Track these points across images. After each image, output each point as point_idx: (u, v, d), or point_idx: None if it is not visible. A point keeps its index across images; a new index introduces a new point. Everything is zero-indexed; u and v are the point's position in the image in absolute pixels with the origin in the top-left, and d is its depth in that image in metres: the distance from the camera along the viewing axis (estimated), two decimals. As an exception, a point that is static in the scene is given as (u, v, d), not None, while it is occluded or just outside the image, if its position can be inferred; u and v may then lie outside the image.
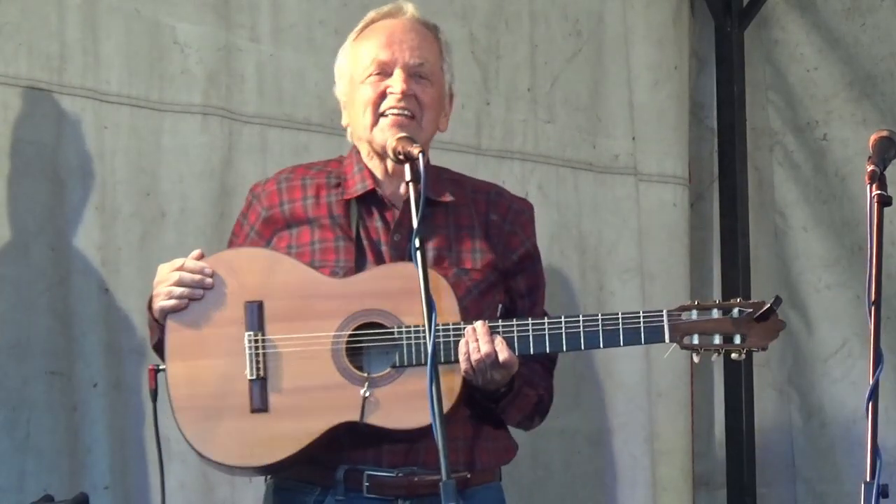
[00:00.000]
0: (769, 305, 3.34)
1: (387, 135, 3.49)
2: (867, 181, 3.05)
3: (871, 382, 2.94)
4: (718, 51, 5.86)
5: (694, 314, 3.37)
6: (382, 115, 3.51)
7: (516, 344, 3.38)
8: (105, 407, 4.37)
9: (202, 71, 4.63)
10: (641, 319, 3.37)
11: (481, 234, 3.59)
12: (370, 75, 3.53)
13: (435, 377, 3.08)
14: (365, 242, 3.53)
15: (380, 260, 3.52)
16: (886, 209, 3.06)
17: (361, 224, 3.55)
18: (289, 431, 3.42)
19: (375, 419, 3.39)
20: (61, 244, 4.36)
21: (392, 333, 3.42)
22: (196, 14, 4.63)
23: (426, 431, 3.26)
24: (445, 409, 3.22)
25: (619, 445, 5.47)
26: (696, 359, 3.40)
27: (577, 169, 5.48)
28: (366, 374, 3.42)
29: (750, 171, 5.83)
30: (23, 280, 4.29)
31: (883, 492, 2.89)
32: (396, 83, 3.50)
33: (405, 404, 3.38)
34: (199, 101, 4.62)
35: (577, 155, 5.48)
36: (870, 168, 3.06)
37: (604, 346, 3.38)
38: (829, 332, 5.73)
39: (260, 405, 3.44)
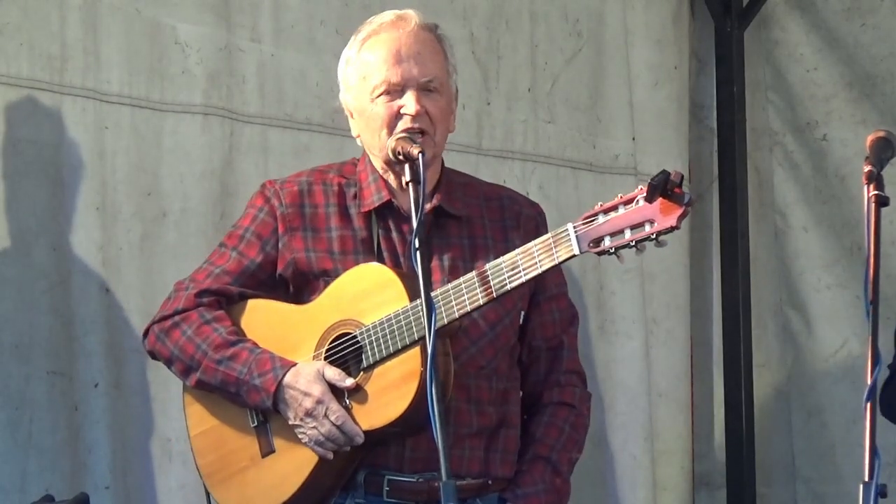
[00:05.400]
0: (653, 177, 3.17)
1: None
2: (864, 182, 3.05)
3: (869, 382, 2.95)
4: (718, 51, 5.87)
5: (600, 218, 3.26)
6: (398, 133, 3.48)
7: (454, 304, 3.36)
8: (106, 407, 4.37)
9: (203, 71, 4.63)
10: (551, 240, 3.30)
11: (494, 244, 3.58)
12: (381, 94, 3.50)
13: (435, 377, 3.08)
14: (385, 255, 3.54)
15: None
16: (884, 209, 3.06)
17: (381, 235, 3.56)
18: (293, 464, 3.47)
19: (362, 424, 3.41)
20: (62, 244, 4.36)
21: (356, 338, 3.44)
22: (197, 14, 4.63)
23: (403, 424, 3.34)
24: (412, 391, 3.32)
25: (619, 445, 5.48)
26: (619, 262, 3.31)
27: (577, 169, 5.49)
28: (343, 385, 3.44)
29: (750, 172, 5.84)
30: (24, 280, 4.29)
31: (882, 492, 2.89)
32: (410, 104, 3.47)
33: (381, 400, 3.40)
34: (200, 101, 4.62)
35: (578, 155, 5.49)
36: (867, 168, 3.06)
37: (525, 279, 3.32)
38: (829, 332, 5.74)
39: (268, 448, 3.51)
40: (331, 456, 3.42)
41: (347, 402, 3.42)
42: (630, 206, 3.23)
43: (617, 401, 5.48)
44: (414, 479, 3.47)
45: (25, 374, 4.28)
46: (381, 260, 3.52)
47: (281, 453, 3.50)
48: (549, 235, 3.31)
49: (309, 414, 3.41)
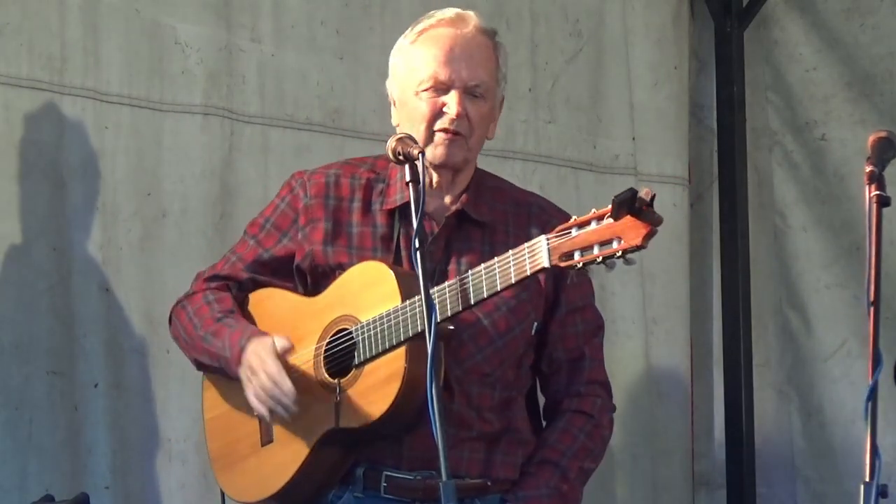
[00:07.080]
0: (617, 195, 3.13)
1: (437, 152, 3.48)
2: (866, 182, 3.04)
3: (870, 383, 2.94)
4: (718, 51, 5.87)
5: (573, 232, 3.21)
6: (436, 132, 3.48)
7: (437, 307, 3.32)
8: (106, 407, 4.38)
9: (203, 71, 4.64)
10: (526, 251, 3.26)
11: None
12: (426, 90, 3.48)
13: (434, 378, 3.08)
14: (403, 253, 3.53)
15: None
16: (885, 209, 3.06)
17: (403, 233, 3.55)
18: (288, 455, 3.48)
19: (349, 421, 3.42)
20: (62, 244, 4.36)
21: (351, 334, 3.45)
22: (197, 14, 4.64)
23: (388, 424, 3.35)
24: (393, 392, 3.32)
25: (619, 445, 5.48)
26: (590, 275, 3.27)
27: (577, 169, 5.49)
28: (336, 380, 3.44)
29: (749, 172, 5.83)
30: (24, 280, 4.30)
31: (882, 492, 2.89)
32: (452, 105, 3.46)
33: (366, 399, 3.40)
34: (200, 101, 4.63)
35: (578, 155, 5.49)
36: (868, 168, 3.06)
37: (501, 288, 3.28)
38: (829, 332, 5.73)
39: (267, 437, 3.54)
40: (267, 415, 3.44)
41: (339, 398, 3.43)
42: (602, 221, 3.18)
43: (617, 401, 5.44)
44: (411, 477, 3.47)
45: (25, 374, 4.29)
46: (398, 258, 3.52)
47: (279, 443, 3.51)
48: (525, 246, 3.28)
49: (252, 370, 3.45)
